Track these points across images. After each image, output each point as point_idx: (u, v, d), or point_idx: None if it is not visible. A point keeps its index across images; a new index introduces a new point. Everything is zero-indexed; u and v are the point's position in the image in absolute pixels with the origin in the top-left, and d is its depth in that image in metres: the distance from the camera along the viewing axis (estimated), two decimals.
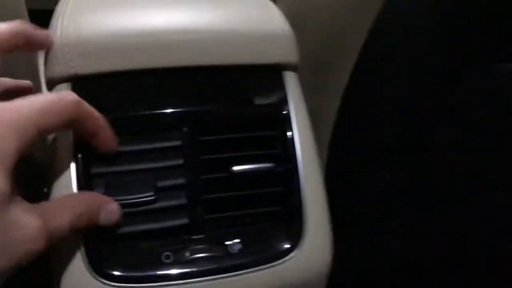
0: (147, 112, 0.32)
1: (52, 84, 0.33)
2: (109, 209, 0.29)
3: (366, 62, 0.38)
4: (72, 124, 0.28)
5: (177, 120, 0.33)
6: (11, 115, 0.24)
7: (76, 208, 0.28)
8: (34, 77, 0.47)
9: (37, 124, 0.25)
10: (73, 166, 0.30)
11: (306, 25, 0.40)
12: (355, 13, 0.39)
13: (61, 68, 0.32)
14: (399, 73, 0.37)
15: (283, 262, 0.32)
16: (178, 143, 0.32)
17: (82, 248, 0.29)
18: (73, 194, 0.29)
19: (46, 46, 0.32)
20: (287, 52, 0.35)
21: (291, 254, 0.32)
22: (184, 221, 0.32)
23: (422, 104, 0.36)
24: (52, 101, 0.26)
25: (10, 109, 0.24)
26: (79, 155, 0.30)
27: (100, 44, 0.32)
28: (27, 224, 0.24)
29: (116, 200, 0.30)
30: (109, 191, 0.30)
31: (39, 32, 0.31)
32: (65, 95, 0.27)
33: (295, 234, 0.33)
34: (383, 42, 0.37)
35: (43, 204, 0.27)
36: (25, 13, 0.44)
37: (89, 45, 0.32)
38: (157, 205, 0.31)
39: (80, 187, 0.30)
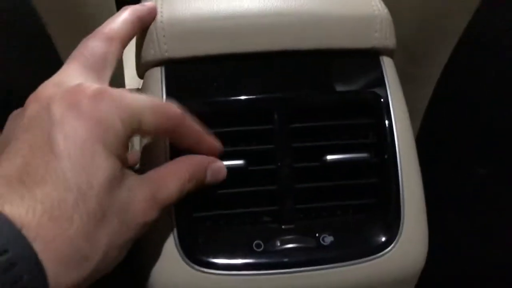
0: (238, 97, 0.32)
1: (144, 69, 0.33)
2: (216, 168, 0.29)
3: (467, 50, 0.36)
4: (173, 135, 0.28)
5: (269, 106, 0.32)
6: (120, 103, 0.24)
7: (183, 173, 0.27)
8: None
9: (141, 119, 0.25)
10: (165, 150, 0.30)
11: (401, 9, 0.38)
12: None
13: (155, 52, 0.32)
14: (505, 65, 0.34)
15: (378, 257, 0.30)
16: (269, 127, 0.31)
17: (176, 235, 0.29)
18: (179, 159, 0.29)
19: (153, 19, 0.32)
20: (384, 36, 0.33)
21: (387, 249, 0.30)
22: (274, 208, 0.31)
23: None
24: (161, 104, 0.27)
25: (122, 97, 0.24)
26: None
27: (194, 27, 0.31)
28: (139, 199, 0.25)
29: None
30: None
31: (146, 8, 0.31)
32: (172, 105, 0.27)
33: (392, 228, 0.31)
34: (488, 30, 0.34)
35: (151, 174, 0.27)
36: (113, 3, 0.44)
37: (183, 28, 0.31)
38: (247, 189, 0.31)
39: None
